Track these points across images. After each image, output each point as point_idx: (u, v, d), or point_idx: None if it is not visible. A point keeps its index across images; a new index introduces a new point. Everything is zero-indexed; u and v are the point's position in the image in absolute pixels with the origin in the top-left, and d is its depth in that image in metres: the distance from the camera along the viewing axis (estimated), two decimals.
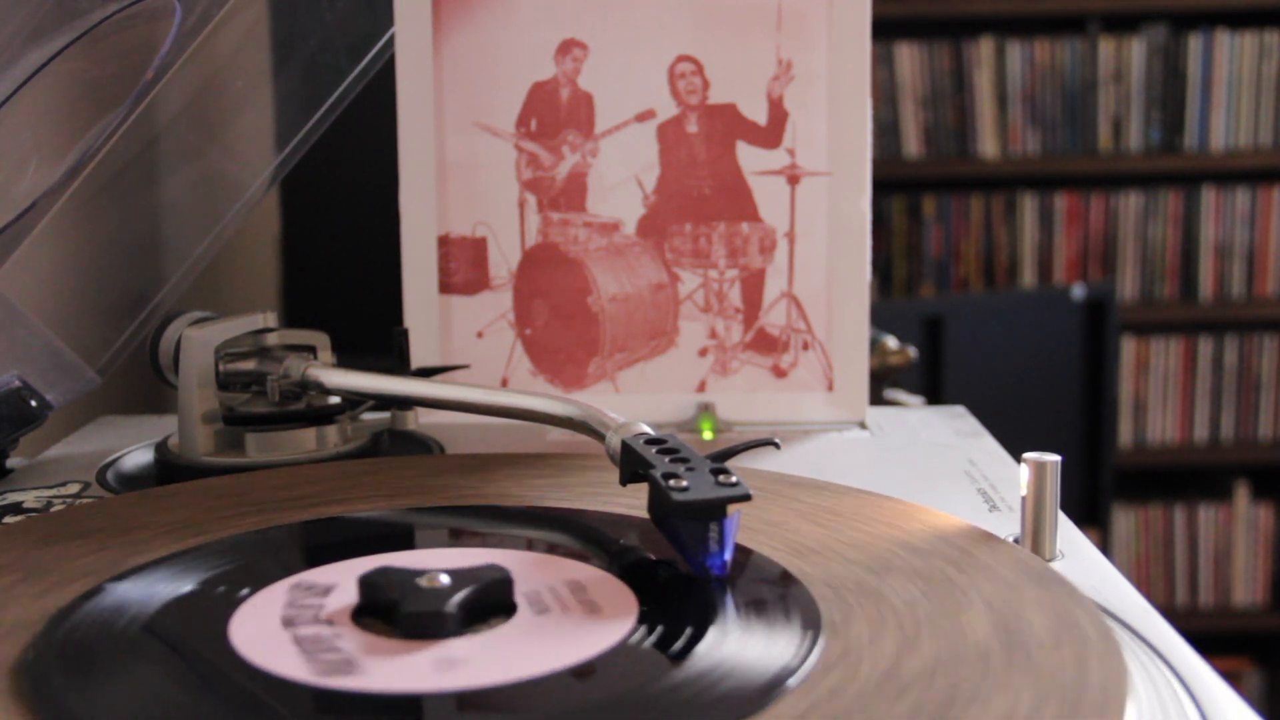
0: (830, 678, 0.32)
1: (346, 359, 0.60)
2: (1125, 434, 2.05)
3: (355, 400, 0.59)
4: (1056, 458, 0.44)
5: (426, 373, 0.61)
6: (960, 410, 0.69)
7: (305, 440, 0.57)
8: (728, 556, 0.39)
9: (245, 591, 0.38)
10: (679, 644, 0.35)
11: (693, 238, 0.66)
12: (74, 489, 0.56)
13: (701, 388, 0.67)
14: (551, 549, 0.43)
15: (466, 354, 0.67)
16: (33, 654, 0.34)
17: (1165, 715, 0.34)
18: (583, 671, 0.33)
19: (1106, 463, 1.72)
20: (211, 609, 0.37)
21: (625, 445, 0.44)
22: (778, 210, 0.66)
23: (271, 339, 0.59)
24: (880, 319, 0.97)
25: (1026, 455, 0.45)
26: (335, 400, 0.58)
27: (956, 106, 2.04)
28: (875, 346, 0.88)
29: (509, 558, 0.41)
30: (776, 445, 0.47)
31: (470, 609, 0.36)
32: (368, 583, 0.37)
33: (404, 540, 0.45)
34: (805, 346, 0.66)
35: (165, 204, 0.73)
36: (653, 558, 0.41)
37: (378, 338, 0.62)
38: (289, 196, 1.26)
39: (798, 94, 0.65)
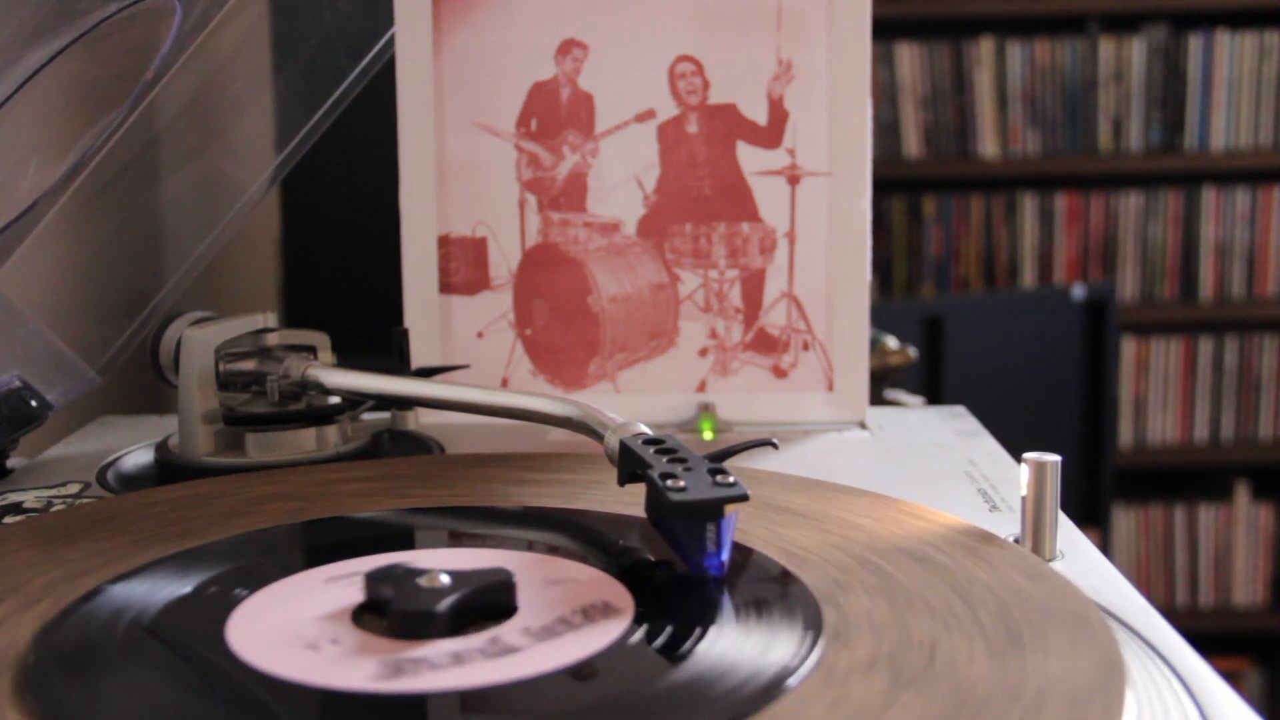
0: (830, 678, 0.32)
1: (346, 359, 0.60)
2: (1125, 434, 2.05)
3: (355, 400, 0.59)
4: (1056, 458, 0.44)
5: (426, 373, 0.61)
6: (960, 410, 0.69)
7: (305, 440, 0.57)
8: (725, 557, 0.39)
9: (244, 592, 0.38)
10: (678, 644, 0.35)
11: (693, 238, 0.66)
12: (74, 489, 0.56)
13: (701, 388, 0.67)
14: (551, 549, 0.43)
15: (466, 354, 0.67)
16: (33, 654, 0.34)
17: (1165, 715, 0.34)
18: (582, 671, 0.33)
19: (1106, 463, 1.72)
20: (211, 610, 0.37)
21: (623, 445, 0.44)
22: (778, 210, 0.66)
23: (271, 339, 0.59)
24: (880, 319, 0.97)
25: (1026, 455, 0.45)
26: (335, 400, 0.58)
27: (956, 106, 2.04)
28: (875, 346, 0.89)
29: (509, 558, 0.41)
30: (774, 445, 0.47)
31: (466, 610, 0.36)
32: (373, 579, 0.37)
33: (404, 540, 0.45)
34: (805, 346, 0.66)
35: (165, 204, 0.73)
36: (651, 558, 0.41)
37: (378, 338, 0.62)
38: (289, 196, 1.26)
39: (798, 94, 0.65)
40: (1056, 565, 0.45)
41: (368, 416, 0.63)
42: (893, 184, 2.04)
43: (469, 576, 0.36)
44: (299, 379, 0.57)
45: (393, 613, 0.35)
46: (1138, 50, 2.02)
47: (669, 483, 0.39)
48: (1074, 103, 2.02)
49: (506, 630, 0.35)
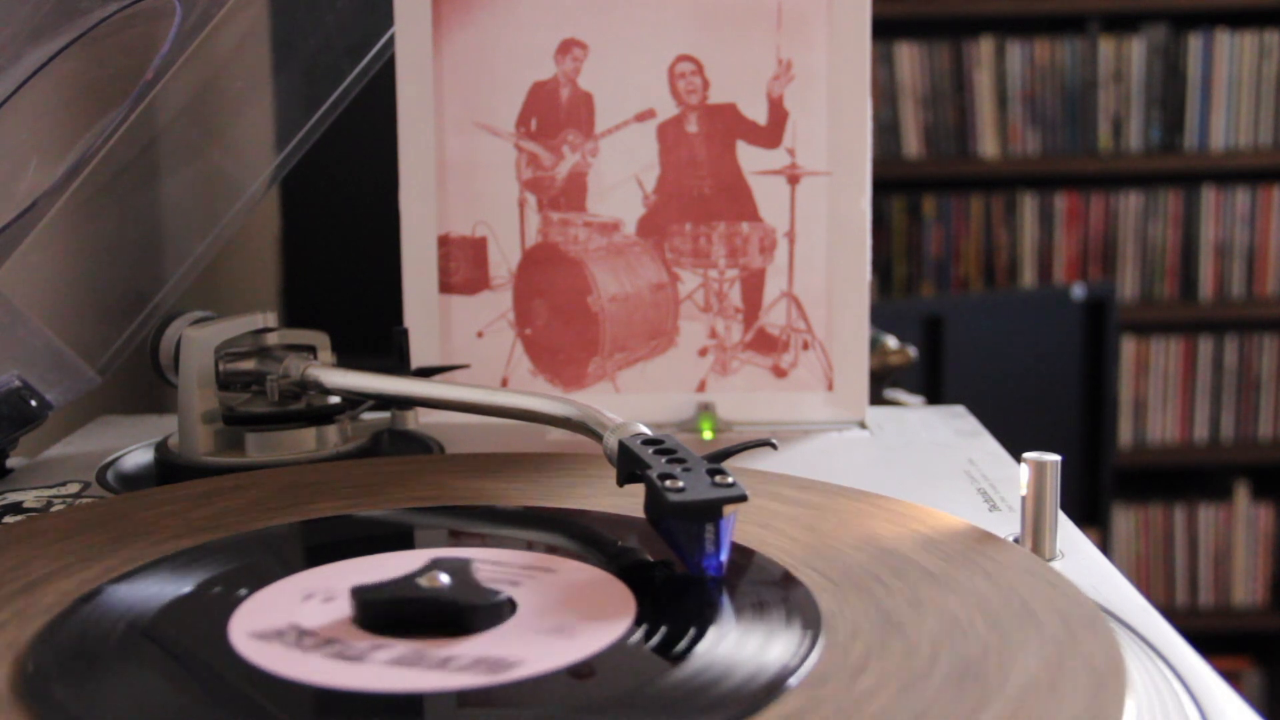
0: (830, 677, 0.32)
1: (346, 359, 0.60)
2: (1125, 434, 2.05)
3: (355, 400, 0.59)
4: (1056, 458, 0.44)
5: (426, 373, 0.61)
6: (960, 410, 0.69)
7: (305, 440, 0.57)
8: (724, 557, 0.39)
9: (245, 591, 0.38)
10: (678, 644, 0.35)
11: (693, 238, 0.66)
12: (74, 489, 0.56)
13: (701, 388, 0.67)
14: (551, 549, 0.43)
15: (466, 354, 0.67)
16: (33, 655, 0.34)
17: (1165, 715, 0.34)
18: (582, 671, 0.33)
19: (1106, 463, 1.72)
20: (211, 609, 0.37)
21: (622, 445, 0.44)
22: (778, 210, 0.66)
23: (271, 339, 0.59)
24: (880, 319, 0.97)
25: (1026, 455, 0.45)
26: (335, 400, 0.58)
27: (956, 106, 2.04)
28: (875, 346, 0.88)
29: (508, 557, 0.41)
30: (773, 446, 0.47)
31: (428, 616, 0.36)
32: (363, 590, 0.37)
33: (404, 540, 0.45)
34: (805, 346, 0.66)
35: (165, 204, 0.73)
36: (651, 558, 0.41)
37: (378, 338, 0.62)
38: (289, 196, 1.26)
39: (798, 94, 0.65)
40: (1056, 565, 0.45)
41: (368, 416, 0.63)
42: (893, 184, 2.04)
43: (467, 589, 0.36)
44: (299, 379, 0.57)
45: (360, 601, 0.35)
46: (1137, 50, 2.02)
47: (668, 483, 0.39)
48: (1074, 102, 2.03)
49: (506, 631, 0.35)
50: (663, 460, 0.42)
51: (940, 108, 2.04)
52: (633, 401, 0.66)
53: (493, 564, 0.40)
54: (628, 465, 0.43)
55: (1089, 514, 1.73)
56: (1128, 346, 2.04)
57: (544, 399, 0.52)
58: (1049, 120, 2.03)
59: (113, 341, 0.66)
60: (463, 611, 0.35)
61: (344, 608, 0.37)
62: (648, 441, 0.43)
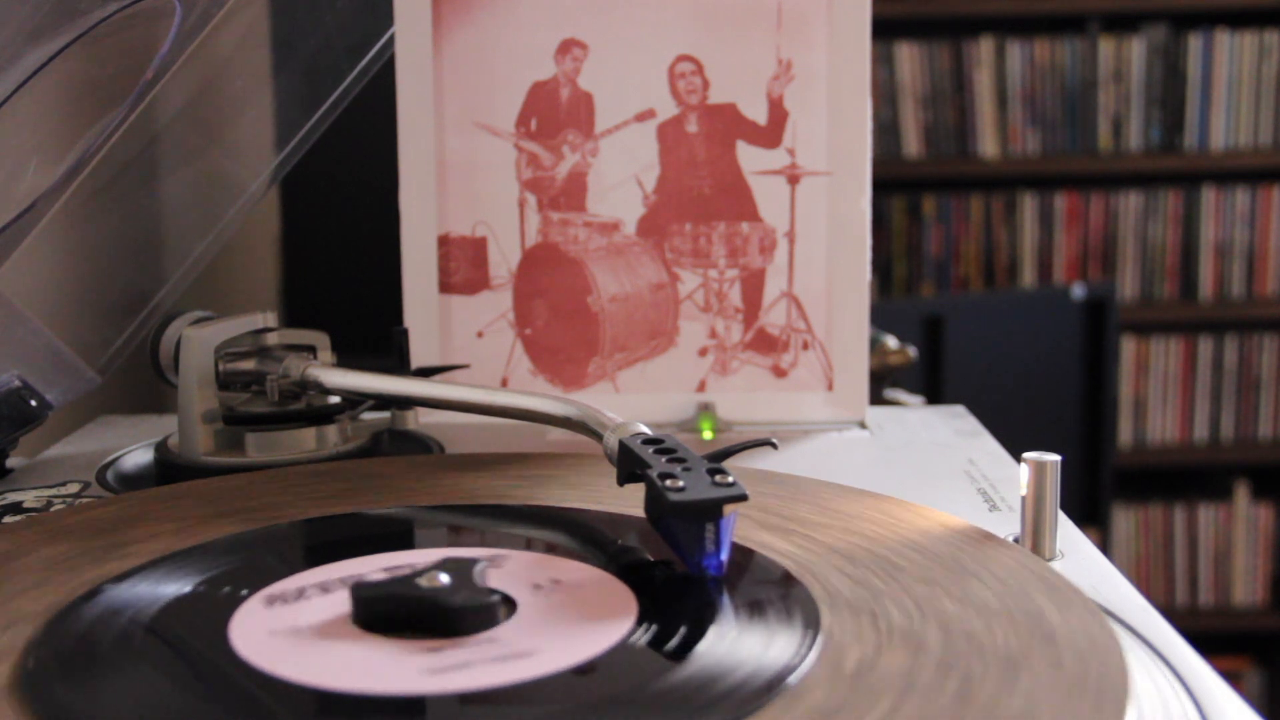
0: (830, 677, 0.32)
1: (346, 359, 0.60)
2: (1125, 434, 2.05)
3: (355, 400, 0.59)
4: (1056, 458, 0.44)
5: (426, 373, 0.61)
6: (960, 410, 0.69)
7: (305, 440, 0.57)
8: (724, 556, 0.39)
9: (245, 591, 0.38)
10: (678, 644, 0.35)
11: (693, 237, 0.66)
12: (74, 489, 0.56)
13: (701, 387, 0.67)
14: (551, 549, 0.43)
15: (466, 354, 0.67)
16: (32, 654, 0.34)
17: (1165, 715, 0.34)
18: (583, 671, 0.33)
19: (1106, 463, 1.72)
20: (211, 609, 0.37)
21: (622, 445, 0.44)
22: (778, 210, 0.66)
23: (271, 339, 0.59)
24: (880, 319, 0.97)
25: (1026, 455, 0.45)
26: (335, 400, 0.58)
27: (956, 106, 2.04)
28: (875, 346, 0.88)
29: (508, 557, 0.41)
30: (774, 445, 0.47)
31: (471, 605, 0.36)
32: (361, 592, 0.37)
33: (404, 540, 0.45)
34: (805, 346, 0.66)
35: (165, 204, 0.73)
36: (651, 558, 0.41)
37: (378, 338, 0.62)
38: (289, 196, 1.26)
39: (798, 94, 0.65)
40: (1056, 565, 0.45)
41: (368, 416, 0.63)
42: (893, 184, 2.04)
43: (466, 589, 0.36)
44: (299, 379, 0.57)
45: (360, 601, 0.35)
46: (1137, 50, 2.02)
47: (668, 482, 0.39)
48: (1074, 102, 2.03)
49: (507, 631, 0.35)
50: (663, 460, 0.42)
51: (940, 108, 2.04)
52: (633, 401, 0.66)
53: (493, 564, 0.40)
54: (628, 465, 0.43)
55: (1089, 514, 1.73)
56: (1128, 346, 2.04)
57: (544, 399, 0.52)
58: (1049, 120, 2.03)
59: (113, 341, 0.66)
60: (461, 612, 0.35)
61: (344, 608, 0.37)
62: (648, 441, 0.43)
